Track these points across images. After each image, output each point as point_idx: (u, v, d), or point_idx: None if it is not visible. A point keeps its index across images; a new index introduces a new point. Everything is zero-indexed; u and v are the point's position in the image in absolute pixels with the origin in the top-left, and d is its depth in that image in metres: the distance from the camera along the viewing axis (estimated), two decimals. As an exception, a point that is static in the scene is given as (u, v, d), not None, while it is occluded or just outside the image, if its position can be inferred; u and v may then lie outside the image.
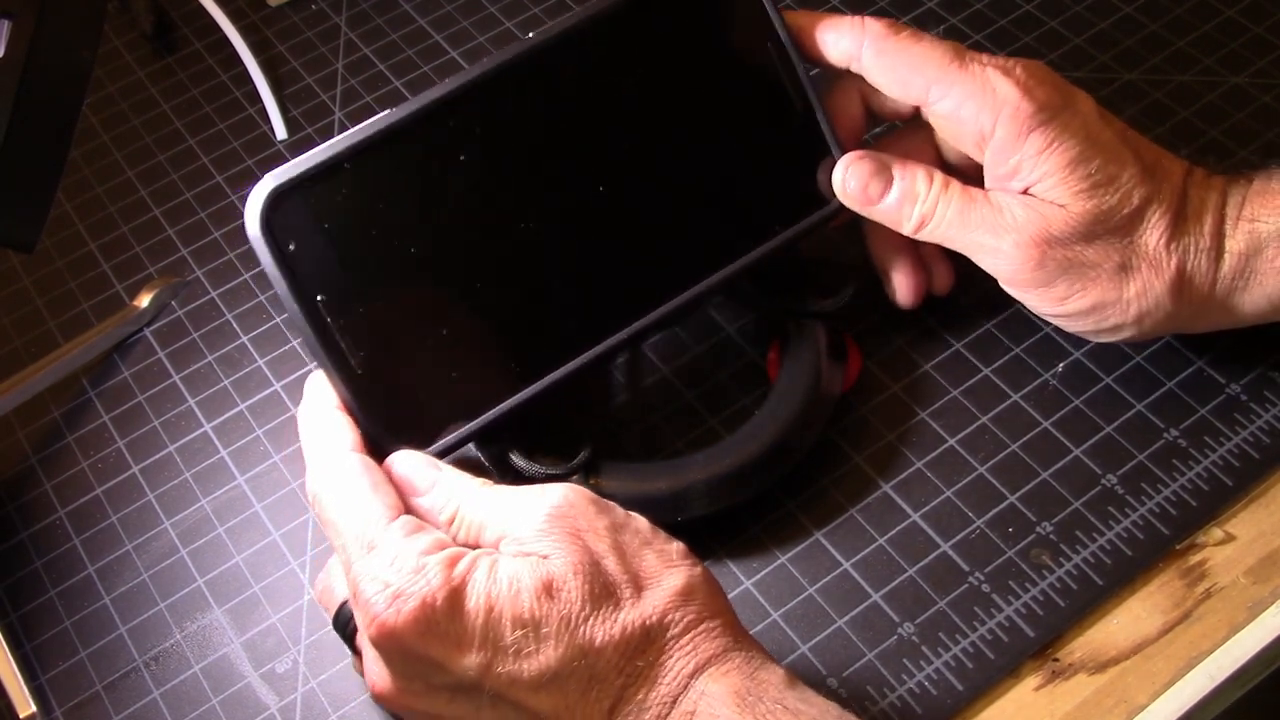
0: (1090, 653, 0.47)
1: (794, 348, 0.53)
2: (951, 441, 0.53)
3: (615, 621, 0.40)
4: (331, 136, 0.67)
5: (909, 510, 0.51)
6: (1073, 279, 0.48)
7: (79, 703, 0.50)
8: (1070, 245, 0.48)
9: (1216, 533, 0.50)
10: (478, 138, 0.47)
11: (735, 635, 0.42)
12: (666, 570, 0.42)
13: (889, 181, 0.50)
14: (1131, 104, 0.62)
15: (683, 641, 0.41)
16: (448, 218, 0.47)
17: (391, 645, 0.40)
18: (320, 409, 0.46)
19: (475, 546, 0.43)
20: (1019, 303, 0.52)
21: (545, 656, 0.40)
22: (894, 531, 0.51)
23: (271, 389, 0.58)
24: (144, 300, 0.61)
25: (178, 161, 0.67)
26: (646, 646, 0.40)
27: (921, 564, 0.50)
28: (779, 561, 0.50)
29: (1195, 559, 0.49)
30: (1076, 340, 0.54)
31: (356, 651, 0.45)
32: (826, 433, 0.53)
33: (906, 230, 0.51)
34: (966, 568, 0.49)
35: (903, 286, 0.55)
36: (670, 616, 0.41)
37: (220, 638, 0.51)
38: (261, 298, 0.61)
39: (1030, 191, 0.48)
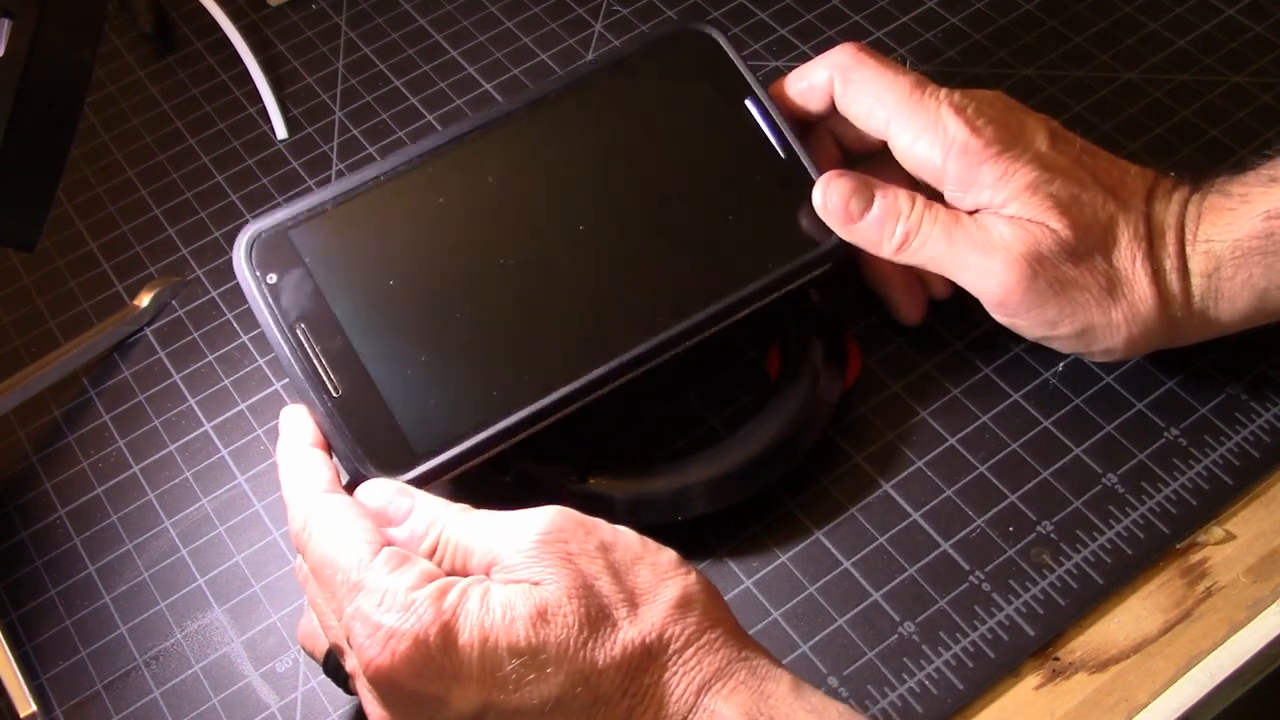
0: (1091, 652, 0.47)
1: (794, 346, 0.53)
2: (952, 440, 0.53)
3: (615, 642, 0.40)
4: (332, 136, 0.67)
5: (909, 509, 0.51)
6: (1062, 302, 0.48)
7: (79, 702, 0.50)
8: (1058, 264, 0.48)
9: (1217, 532, 0.50)
10: (457, 186, 0.49)
11: (738, 643, 0.41)
12: (661, 583, 0.41)
13: (869, 200, 0.50)
14: (1132, 103, 0.62)
15: (685, 656, 0.40)
16: (426, 254, 0.48)
17: (388, 686, 0.40)
18: (295, 448, 0.46)
19: (461, 573, 0.42)
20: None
21: (546, 684, 0.39)
22: (894, 530, 0.51)
23: (272, 388, 0.58)
24: (144, 300, 0.61)
25: (178, 161, 0.67)
26: (649, 665, 0.40)
27: (922, 563, 0.50)
28: (779, 561, 0.50)
29: (1196, 558, 0.49)
30: (1077, 339, 0.54)
31: (351, 693, 0.44)
32: (827, 432, 0.53)
33: (888, 250, 0.50)
34: (967, 567, 0.49)
35: (905, 305, 0.55)
36: (670, 631, 0.40)
37: (220, 637, 0.51)
38: (262, 297, 0.61)
39: (1008, 215, 0.49)
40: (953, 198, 0.50)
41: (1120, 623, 0.48)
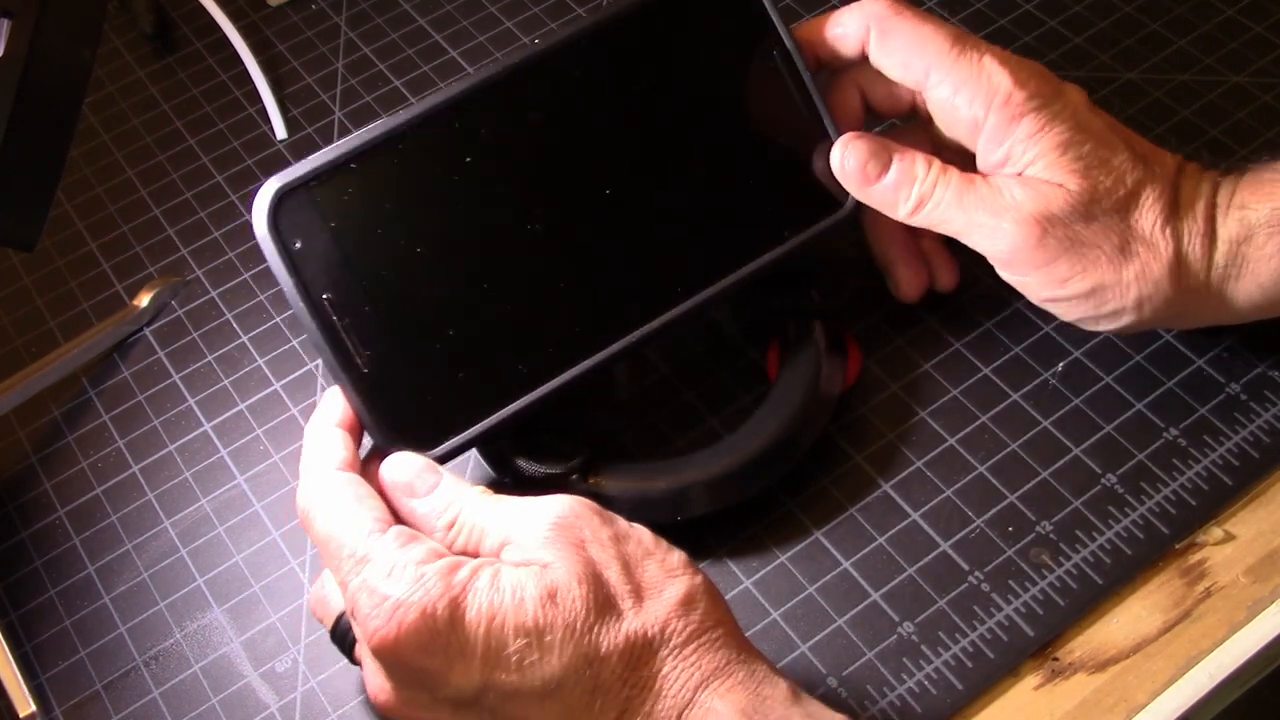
0: (1090, 652, 0.47)
1: (794, 347, 0.53)
2: (951, 441, 0.53)
3: (619, 631, 0.40)
4: (332, 136, 0.67)
5: (909, 509, 0.51)
6: (1073, 259, 0.48)
7: (78, 702, 0.50)
8: (1070, 224, 0.47)
9: (1216, 532, 0.49)
10: (484, 140, 0.47)
11: (738, 646, 0.42)
12: (668, 580, 0.42)
13: (887, 163, 0.50)
14: (1132, 103, 0.62)
15: (685, 652, 0.41)
16: (454, 218, 0.47)
17: (392, 658, 0.40)
18: (319, 425, 0.46)
19: (474, 554, 0.43)
20: (1019, 300, 0.52)
21: (549, 666, 0.39)
22: (894, 531, 0.51)
23: (271, 388, 0.58)
24: (144, 300, 0.61)
25: (178, 161, 0.67)
26: (650, 657, 0.40)
27: (921, 563, 0.50)
28: (779, 561, 0.50)
29: (1195, 558, 0.49)
30: (1076, 339, 0.54)
31: (355, 662, 0.45)
32: (826, 432, 0.53)
33: (902, 213, 0.50)
34: (966, 567, 0.49)
35: (904, 280, 0.55)
36: (672, 626, 0.41)
37: (220, 637, 0.51)
38: (262, 297, 0.61)
39: (1025, 175, 0.49)
40: (984, 151, 0.49)
41: (1119, 623, 0.48)
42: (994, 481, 0.51)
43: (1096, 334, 0.54)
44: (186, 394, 0.58)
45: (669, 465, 0.51)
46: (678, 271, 0.49)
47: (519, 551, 0.42)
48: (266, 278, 0.61)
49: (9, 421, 0.58)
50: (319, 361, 0.58)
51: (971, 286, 0.56)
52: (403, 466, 0.45)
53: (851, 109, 0.53)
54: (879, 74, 0.51)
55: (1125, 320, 0.49)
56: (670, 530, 0.51)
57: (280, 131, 0.68)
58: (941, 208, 0.49)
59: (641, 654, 0.40)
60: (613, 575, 0.41)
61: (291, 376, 0.58)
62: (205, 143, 0.68)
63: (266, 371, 0.59)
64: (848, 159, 0.51)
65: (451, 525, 0.43)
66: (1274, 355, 0.53)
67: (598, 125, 0.49)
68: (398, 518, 0.44)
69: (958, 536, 0.50)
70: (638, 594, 0.41)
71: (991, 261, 0.50)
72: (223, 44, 0.72)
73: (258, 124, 0.68)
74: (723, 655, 0.41)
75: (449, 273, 0.46)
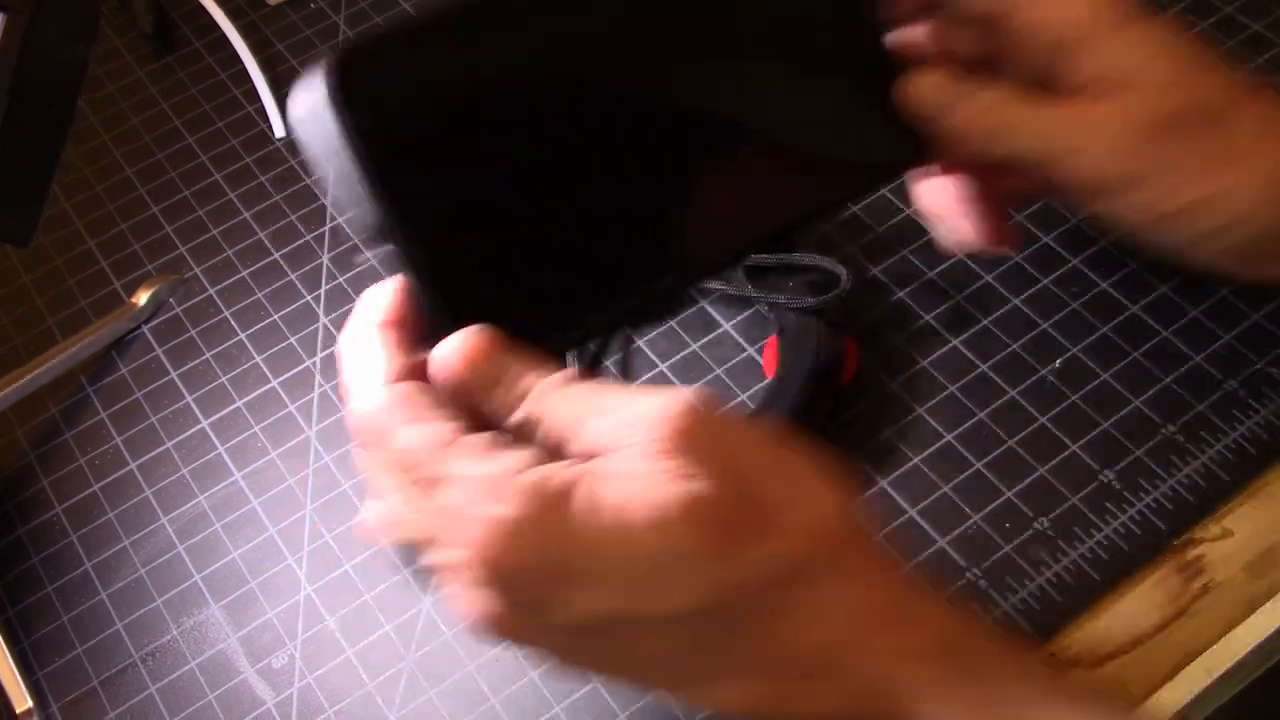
0: (1087, 648, 0.47)
1: (790, 343, 0.53)
2: (949, 437, 0.53)
3: (756, 551, 0.34)
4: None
5: (906, 506, 0.51)
6: (1166, 171, 0.44)
7: (75, 698, 0.50)
8: (1164, 132, 0.44)
9: (1214, 528, 0.49)
10: (576, 44, 0.40)
11: (889, 571, 0.36)
12: (811, 493, 0.36)
13: (962, 93, 0.44)
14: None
15: (833, 579, 0.35)
16: (540, 110, 0.40)
17: (492, 584, 0.34)
18: (360, 331, 0.37)
19: (557, 454, 0.35)
20: (1017, 296, 0.51)
21: (672, 590, 0.34)
22: (891, 527, 0.51)
23: (269, 385, 0.58)
24: (142, 298, 0.61)
25: (176, 159, 0.68)
26: (792, 580, 0.34)
27: (918, 560, 0.50)
28: (776, 557, 0.50)
29: (1192, 554, 0.49)
30: (1074, 336, 0.54)
31: (439, 589, 0.38)
32: (824, 429, 0.53)
33: (985, 140, 0.45)
34: (963, 564, 0.49)
35: (963, 229, 0.49)
36: (818, 547, 0.35)
37: (217, 633, 0.51)
38: (260, 295, 0.61)
39: (1124, 81, 0.44)
40: (1070, 56, 0.45)
41: (1117, 619, 0.48)
42: (991, 478, 0.51)
43: (1097, 329, 0.54)
44: (184, 391, 0.58)
45: None
46: (746, 204, 0.43)
47: (625, 461, 0.34)
48: (265, 275, 0.62)
49: (7, 419, 0.58)
50: (317, 359, 0.58)
51: (970, 284, 0.56)
52: (464, 346, 0.36)
53: (927, 46, 0.47)
54: None
55: (1222, 243, 0.44)
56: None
57: (279, 130, 0.68)
58: (1026, 128, 0.44)
59: (784, 577, 0.34)
60: (745, 487, 0.35)
61: (289, 374, 0.58)
62: (204, 141, 0.68)
63: (264, 369, 0.59)
64: (922, 90, 0.45)
65: (527, 420, 0.36)
66: (1272, 350, 0.53)
67: (699, 55, 0.43)
68: (470, 418, 0.36)
69: (955, 533, 0.50)
70: (776, 508, 0.35)
71: (1084, 189, 0.45)
72: (222, 43, 0.72)
73: (256, 122, 0.69)
74: (874, 583, 0.36)
75: (533, 163, 0.40)
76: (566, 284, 0.38)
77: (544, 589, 0.34)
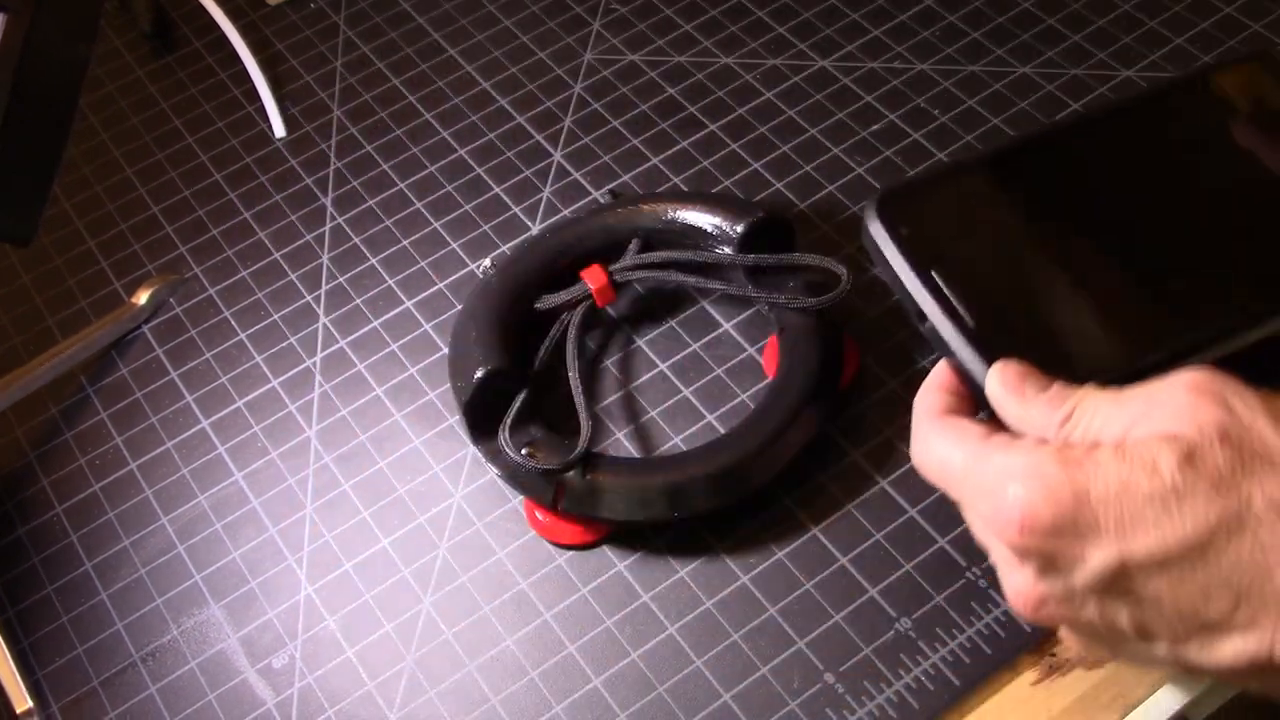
0: (1087, 648, 0.47)
1: (790, 343, 0.53)
2: (949, 437, 0.53)
3: (1248, 483, 0.36)
4: (330, 135, 0.67)
5: (906, 505, 0.51)
6: None
7: (75, 698, 0.50)
8: None
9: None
10: (1067, 168, 0.50)
11: None
12: None
13: None
14: (1129, 101, 0.62)
15: None
16: (1038, 229, 0.49)
17: (1020, 546, 0.38)
18: (924, 390, 0.45)
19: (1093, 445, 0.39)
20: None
21: (1190, 529, 0.36)
22: (891, 527, 0.51)
23: (269, 385, 0.58)
24: (142, 297, 0.61)
25: (176, 159, 0.68)
26: None
27: (918, 559, 0.50)
28: (776, 557, 0.50)
29: (1193, 554, 0.49)
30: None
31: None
32: (824, 429, 0.53)
33: None
34: (964, 563, 0.49)
35: None
36: None
37: (217, 633, 0.51)
38: (260, 295, 0.61)
39: None
40: None
41: (1117, 619, 0.48)
42: (991, 478, 0.51)
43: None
44: (184, 391, 0.58)
45: (666, 462, 0.51)
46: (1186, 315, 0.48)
47: (1147, 426, 0.38)
48: (265, 275, 0.62)
49: (7, 419, 0.58)
50: (317, 359, 0.58)
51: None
52: (1011, 370, 0.42)
53: None
54: None
55: None
56: (668, 527, 0.51)
57: (279, 130, 0.68)
58: None
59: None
60: (1262, 427, 0.37)
61: (289, 374, 0.58)
62: (204, 141, 0.68)
63: (264, 369, 0.59)
64: None
65: (1068, 419, 0.40)
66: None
67: (1140, 183, 0.50)
68: (1013, 412, 0.42)
69: (955, 532, 0.50)
70: (1267, 449, 0.37)
71: None
72: (221, 43, 0.72)
73: (256, 122, 0.69)
74: None
75: (1034, 268, 0.48)
76: (1051, 353, 0.45)
77: (1065, 547, 0.37)
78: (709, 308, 0.58)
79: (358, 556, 0.52)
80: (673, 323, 0.58)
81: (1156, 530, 0.36)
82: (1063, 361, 0.44)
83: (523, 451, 0.50)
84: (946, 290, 0.46)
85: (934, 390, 0.45)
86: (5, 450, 0.58)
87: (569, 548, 0.52)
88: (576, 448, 0.50)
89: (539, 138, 0.66)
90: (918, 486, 0.51)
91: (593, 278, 0.55)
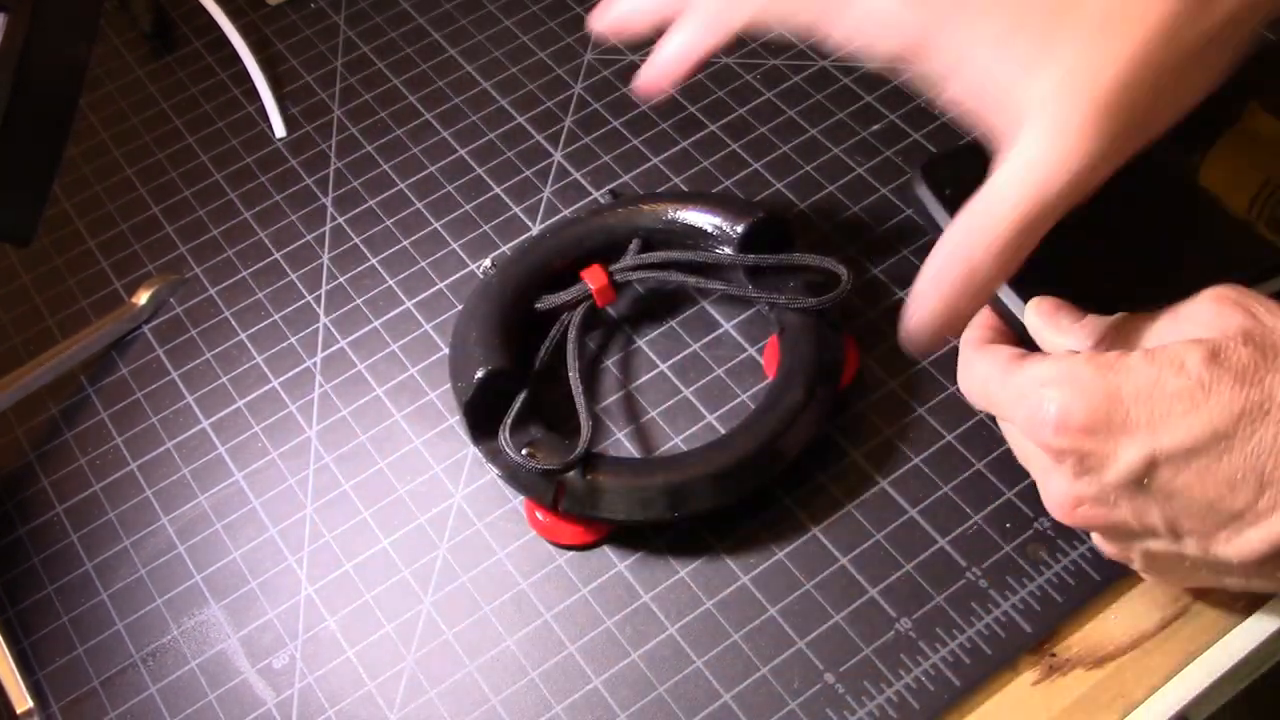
0: (1088, 648, 0.47)
1: (790, 343, 0.53)
2: (949, 438, 0.53)
3: (1273, 378, 0.38)
4: (330, 135, 0.67)
5: (906, 506, 0.51)
6: None
7: (76, 698, 0.50)
8: None
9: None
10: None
11: None
12: None
13: None
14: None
15: None
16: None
17: (1057, 446, 0.40)
18: (968, 329, 0.47)
19: None
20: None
21: (1216, 420, 0.38)
22: (891, 527, 0.51)
23: (269, 385, 0.58)
24: (142, 297, 0.61)
25: (176, 159, 0.68)
26: None
27: (919, 560, 0.50)
28: (776, 557, 0.50)
29: (1193, 554, 0.49)
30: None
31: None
32: (824, 429, 0.53)
33: None
34: (964, 563, 0.49)
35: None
36: None
37: (217, 633, 0.51)
38: (260, 295, 0.61)
39: None
40: None
41: (1117, 619, 0.48)
42: (992, 478, 0.51)
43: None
44: (185, 391, 0.58)
45: (666, 461, 0.51)
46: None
47: (1174, 336, 0.41)
48: (265, 275, 0.62)
49: (7, 419, 0.58)
50: (317, 359, 0.58)
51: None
52: (1047, 302, 0.45)
53: None
54: None
55: None
56: (668, 527, 0.51)
57: (279, 130, 0.68)
58: None
59: None
60: (1267, 336, 0.39)
61: (290, 374, 0.58)
62: (204, 141, 0.68)
63: (265, 369, 0.59)
64: None
65: (1101, 342, 0.43)
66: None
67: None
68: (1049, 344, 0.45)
69: (955, 533, 0.50)
70: None
71: None
72: (221, 43, 0.72)
73: (256, 122, 0.69)
74: None
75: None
76: (1079, 294, 0.47)
77: (1098, 445, 0.39)
78: (709, 308, 0.58)
79: (358, 557, 0.52)
80: (673, 323, 0.58)
81: (1184, 422, 0.38)
82: (1089, 302, 0.46)
83: (523, 452, 0.50)
84: None
85: (978, 327, 0.48)
86: (5, 450, 0.58)
87: (569, 548, 0.52)
88: (577, 448, 0.50)
89: (539, 138, 0.66)
90: (918, 486, 0.51)
91: (593, 278, 0.55)
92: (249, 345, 0.59)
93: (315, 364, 0.58)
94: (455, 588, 0.51)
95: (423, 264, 0.61)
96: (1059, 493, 0.42)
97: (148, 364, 0.60)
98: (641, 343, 0.57)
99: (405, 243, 0.62)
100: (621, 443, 0.54)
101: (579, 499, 0.50)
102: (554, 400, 0.54)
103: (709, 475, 0.50)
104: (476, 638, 0.50)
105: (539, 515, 0.52)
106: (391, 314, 0.60)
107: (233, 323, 0.60)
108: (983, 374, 0.45)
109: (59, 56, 0.48)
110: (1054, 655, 0.47)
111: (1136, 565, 0.45)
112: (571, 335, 0.54)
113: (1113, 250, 0.52)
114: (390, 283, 0.61)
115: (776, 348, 0.54)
